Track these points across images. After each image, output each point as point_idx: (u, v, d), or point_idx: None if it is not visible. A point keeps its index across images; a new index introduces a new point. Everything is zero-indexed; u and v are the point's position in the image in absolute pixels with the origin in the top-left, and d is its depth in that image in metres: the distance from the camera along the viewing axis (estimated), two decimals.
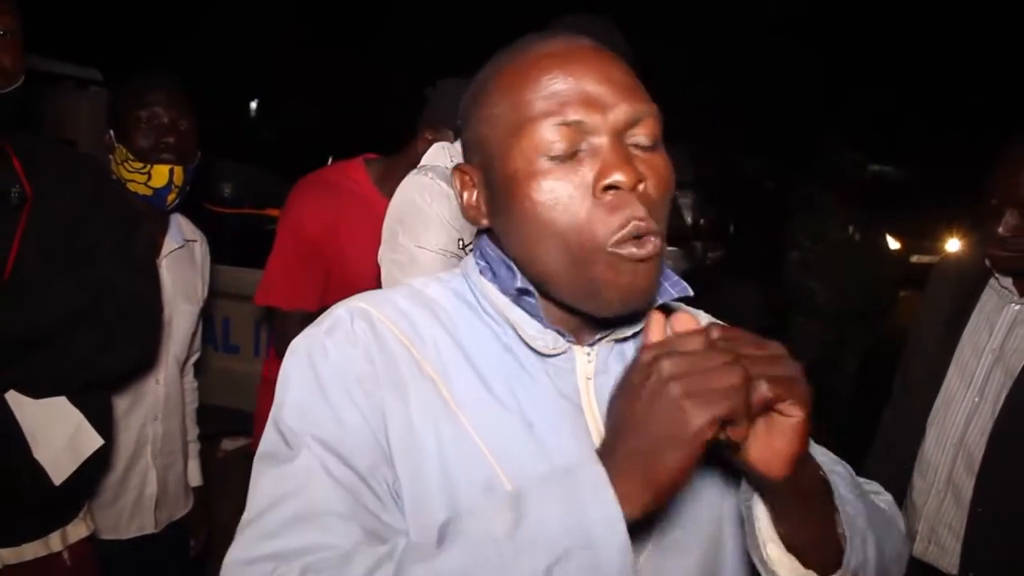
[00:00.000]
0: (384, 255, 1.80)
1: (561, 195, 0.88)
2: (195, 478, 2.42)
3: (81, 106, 4.66)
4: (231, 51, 13.09)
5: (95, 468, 1.76)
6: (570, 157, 0.89)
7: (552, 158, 0.88)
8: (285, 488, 0.87)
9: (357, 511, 0.85)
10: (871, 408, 2.62)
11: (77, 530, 1.75)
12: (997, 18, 12.15)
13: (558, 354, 0.97)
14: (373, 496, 0.87)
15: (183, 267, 2.28)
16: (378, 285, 2.19)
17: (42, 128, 4.31)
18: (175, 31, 12.66)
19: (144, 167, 2.07)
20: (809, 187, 4.73)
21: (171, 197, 2.13)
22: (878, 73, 13.50)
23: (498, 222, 0.96)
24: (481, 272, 1.01)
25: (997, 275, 1.97)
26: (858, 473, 2.11)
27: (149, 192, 2.09)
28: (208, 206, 5.17)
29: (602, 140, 0.89)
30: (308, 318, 2.16)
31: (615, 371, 0.96)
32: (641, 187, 0.88)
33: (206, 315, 2.45)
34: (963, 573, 1.92)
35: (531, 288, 0.95)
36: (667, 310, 0.98)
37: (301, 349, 0.95)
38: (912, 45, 13.07)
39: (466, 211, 1.00)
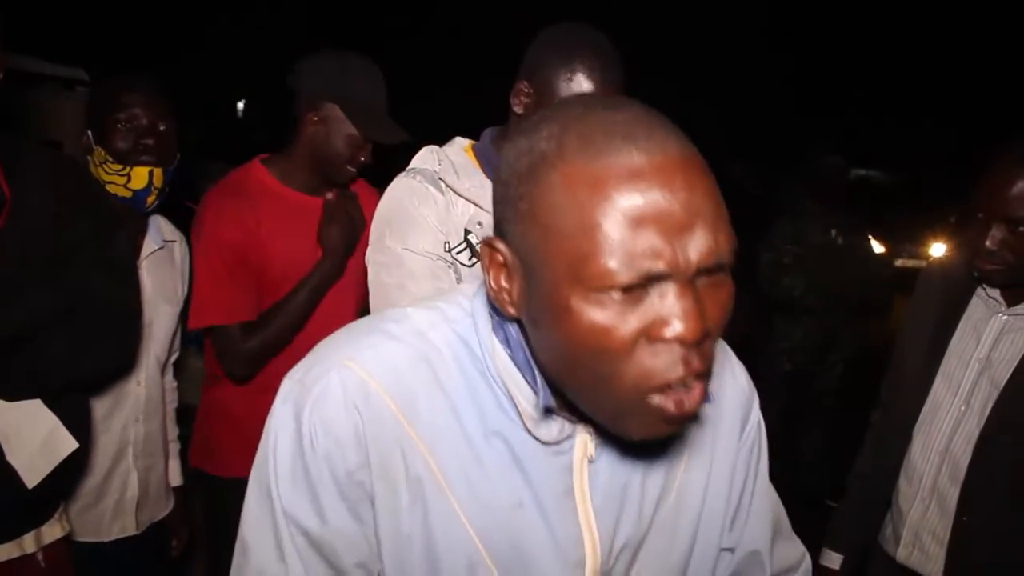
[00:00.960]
0: (371, 257, 1.80)
1: (614, 336, 0.77)
2: (175, 478, 2.41)
3: (67, 107, 4.64)
4: (221, 51, 13.05)
5: (71, 471, 1.74)
6: (633, 296, 0.77)
7: (613, 296, 0.76)
8: (265, 550, 0.90)
9: None
10: (858, 410, 2.63)
11: (52, 531, 1.74)
12: (984, 23, 12.24)
13: (559, 442, 0.92)
14: None
15: (163, 268, 2.27)
16: (298, 278, 2.16)
17: (27, 128, 4.28)
18: (163, 31, 12.61)
19: (123, 169, 2.06)
20: (793, 191, 4.76)
21: (151, 199, 2.12)
22: (864, 77, 13.57)
23: (531, 326, 0.85)
24: (493, 330, 0.92)
25: (984, 285, 1.97)
26: (844, 474, 2.16)
27: (128, 194, 2.08)
28: (194, 206, 5.14)
29: (673, 284, 0.77)
30: (248, 327, 2.15)
31: (615, 453, 0.95)
32: (707, 343, 0.80)
33: None
34: None
35: (554, 406, 0.89)
36: None
37: (292, 414, 0.89)
38: (899, 49, 13.15)
39: (491, 290, 0.87)
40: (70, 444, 1.67)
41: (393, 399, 0.88)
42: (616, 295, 0.76)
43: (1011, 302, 1.93)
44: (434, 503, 0.88)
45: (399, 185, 1.78)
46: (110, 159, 2.06)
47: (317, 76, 2.21)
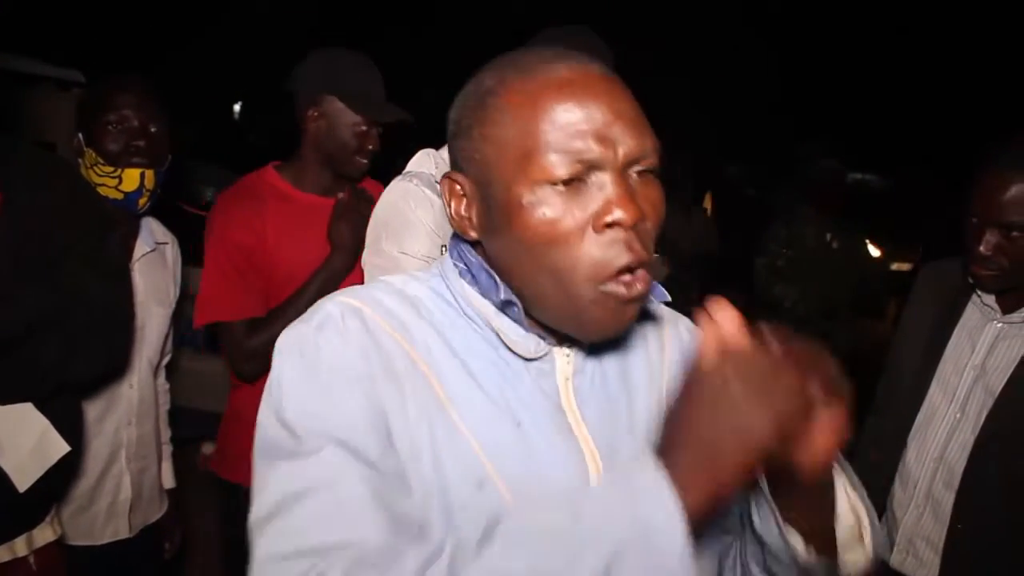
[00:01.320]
0: (367, 260, 1.80)
1: (562, 227, 0.89)
2: (169, 481, 2.40)
3: (62, 108, 4.63)
4: (217, 53, 13.04)
5: (63, 474, 1.74)
6: (574, 189, 0.89)
7: (556, 188, 0.89)
8: (305, 483, 0.84)
9: (379, 503, 0.84)
10: (852, 415, 2.63)
11: (44, 534, 1.73)
12: (979, 26, 12.28)
13: (539, 357, 0.99)
14: (388, 486, 0.86)
15: (155, 270, 2.26)
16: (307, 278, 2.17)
17: (22, 130, 4.27)
18: (159, 33, 12.60)
19: (114, 171, 2.05)
20: (789, 195, 4.76)
21: (142, 201, 2.11)
22: (861, 80, 13.61)
23: (490, 239, 0.96)
24: (460, 275, 1.01)
25: (979, 292, 1.98)
26: None
27: (120, 196, 2.08)
28: (191, 209, 5.15)
29: (607, 175, 0.89)
30: (255, 324, 2.17)
31: (590, 371, 1.03)
32: (640, 224, 0.90)
33: (189, 319, 2.43)
34: None
35: (515, 299, 0.96)
36: (647, 314, 1.01)
37: (291, 346, 0.94)
38: (895, 54, 13.19)
39: (453, 220, 0.99)
40: (61, 447, 1.67)
41: (389, 324, 0.95)
42: (560, 188, 0.88)
43: (1006, 309, 1.93)
44: (438, 418, 0.92)
45: (395, 189, 1.78)
46: (101, 161, 2.05)
47: (311, 73, 2.24)
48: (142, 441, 2.21)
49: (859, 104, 13.47)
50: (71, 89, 4.86)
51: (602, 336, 0.95)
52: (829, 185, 4.49)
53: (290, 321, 2.28)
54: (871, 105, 13.55)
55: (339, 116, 2.21)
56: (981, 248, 1.83)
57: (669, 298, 1.03)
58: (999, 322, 1.95)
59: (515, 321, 0.98)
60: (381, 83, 2.25)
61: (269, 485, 0.86)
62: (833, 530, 0.95)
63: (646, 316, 0.93)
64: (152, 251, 2.25)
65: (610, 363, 1.06)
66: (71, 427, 1.70)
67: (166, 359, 2.39)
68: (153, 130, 2.09)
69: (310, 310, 0.98)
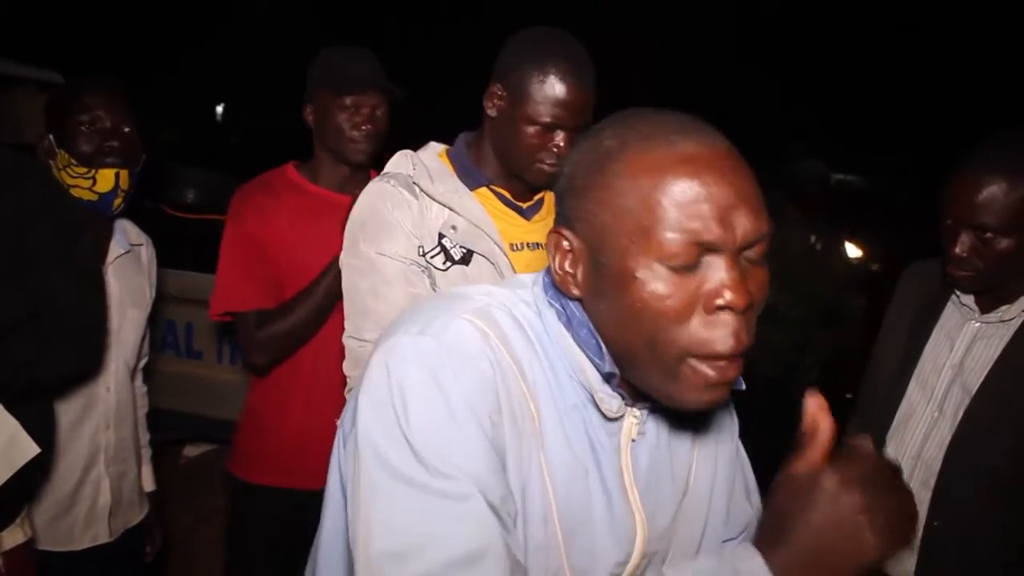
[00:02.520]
0: (345, 260, 1.80)
1: (673, 303, 0.88)
2: (149, 483, 2.38)
3: (41, 110, 4.59)
4: (200, 54, 12.98)
5: (34, 476, 1.73)
6: (690, 269, 0.89)
7: (673, 266, 0.88)
8: (440, 524, 0.83)
9: (504, 551, 0.84)
10: (834, 415, 2.64)
11: (13, 536, 1.72)
12: (962, 28, 12.37)
13: (618, 417, 1.01)
14: (508, 532, 0.87)
15: (130, 272, 2.25)
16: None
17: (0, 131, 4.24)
18: (141, 34, 12.52)
19: (88, 172, 2.03)
20: (772, 197, 4.76)
21: (117, 202, 2.09)
22: (844, 81, 13.68)
23: (594, 301, 0.95)
24: (558, 317, 1.00)
25: (958, 292, 1.98)
26: None
27: (94, 197, 2.06)
28: (172, 211, 5.11)
29: (722, 257, 0.89)
30: (264, 316, 2.20)
31: (651, 435, 1.05)
32: (748, 311, 0.90)
33: (168, 321, 2.42)
34: None
35: (617, 372, 0.97)
36: None
37: (421, 364, 0.90)
38: (877, 55, 13.27)
39: (556, 275, 0.98)
40: (31, 449, 1.66)
41: (510, 353, 0.94)
42: (675, 266, 0.87)
43: (984, 309, 1.95)
44: (533, 455, 0.94)
45: (373, 190, 1.78)
46: (74, 162, 2.03)
47: (307, 75, 2.31)
48: (121, 445, 2.19)
49: (845, 104, 13.54)
50: (50, 91, 4.83)
51: (689, 409, 0.95)
52: (814, 187, 4.50)
53: (301, 314, 2.33)
54: (857, 105, 13.62)
55: (327, 104, 2.26)
56: (957, 250, 1.84)
57: (743, 387, 1.02)
58: (977, 322, 1.96)
59: (605, 380, 0.99)
60: (367, 64, 2.29)
61: (398, 517, 0.84)
62: None
63: None
64: (127, 253, 2.23)
65: (664, 429, 1.08)
66: (43, 429, 1.69)
67: (143, 362, 2.38)
68: (126, 130, 2.07)
69: (430, 319, 0.94)
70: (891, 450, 2.04)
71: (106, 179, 2.05)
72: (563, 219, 0.98)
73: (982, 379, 1.90)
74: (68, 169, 2.04)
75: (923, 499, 1.94)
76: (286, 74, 2.33)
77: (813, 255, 4.46)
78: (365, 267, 1.73)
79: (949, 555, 1.90)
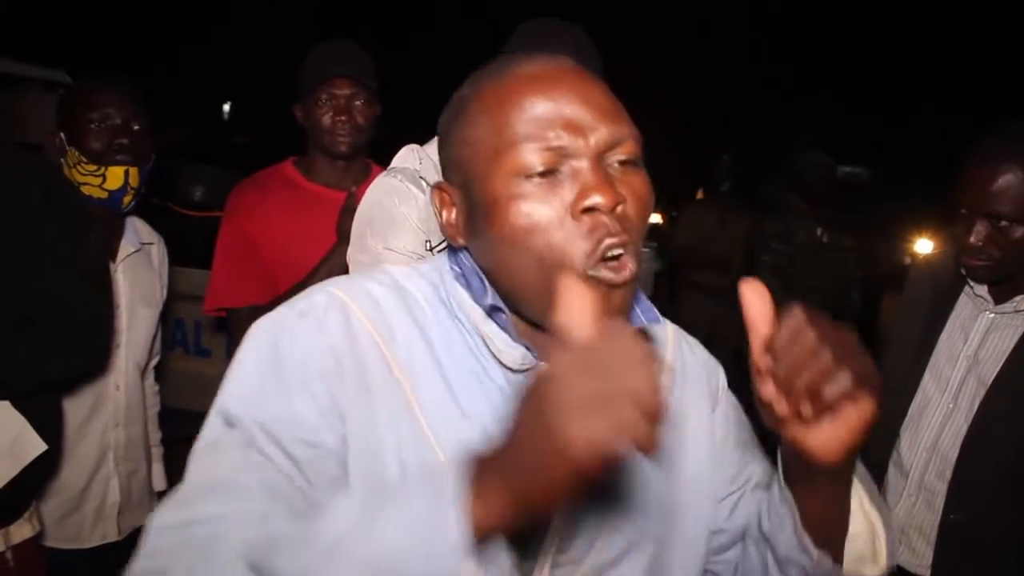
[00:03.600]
0: (352, 256, 1.79)
1: (540, 217, 0.88)
2: (159, 483, 2.38)
3: (48, 109, 4.59)
4: (207, 53, 13.00)
5: (41, 472, 1.73)
6: (550, 180, 0.88)
7: (531, 181, 0.88)
8: (215, 462, 0.86)
9: (282, 493, 0.82)
10: None
11: (21, 530, 1.73)
12: (965, 21, 12.31)
13: (524, 369, 0.97)
14: (306, 484, 0.85)
15: (141, 271, 2.24)
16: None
17: (6, 131, 4.24)
18: (148, 33, 12.55)
19: (98, 169, 2.04)
20: (778, 189, 4.75)
21: (127, 199, 2.10)
22: (850, 74, 13.63)
23: (475, 241, 0.96)
24: (455, 278, 1.00)
25: (972, 283, 1.97)
26: None
27: (104, 195, 2.06)
28: (178, 209, 5.12)
29: (582, 163, 0.88)
30: (257, 311, 2.19)
31: None
32: (620, 208, 0.88)
33: (176, 319, 2.42)
34: None
35: (502, 305, 0.95)
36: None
37: (267, 330, 0.95)
38: (884, 46, 13.21)
39: (445, 229, 0.99)
40: (38, 446, 1.66)
41: (372, 323, 0.95)
42: (535, 180, 0.88)
43: (998, 300, 1.93)
44: (407, 428, 0.91)
45: (380, 185, 1.77)
46: (84, 160, 2.03)
47: (306, 70, 2.34)
48: (131, 444, 2.19)
49: (850, 97, 13.49)
50: (57, 90, 4.83)
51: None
52: (821, 179, 4.48)
53: None
54: (862, 98, 13.57)
55: (309, 99, 2.31)
56: (972, 239, 1.83)
57: (660, 321, 0.99)
58: (991, 312, 1.94)
59: (503, 328, 0.96)
60: (336, 53, 2.32)
61: (190, 469, 0.89)
62: (846, 529, 0.94)
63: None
64: (137, 251, 2.23)
65: None
66: (50, 426, 1.70)
67: (154, 361, 2.37)
68: (136, 128, 2.08)
69: (300, 294, 0.99)
70: (906, 441, 2.02)
71: (116, 176, 2.05)
72: (443, 175, 1.01)
73: (997, 370, 1.88)
74: (78, 167, 2.04)
75: (939, 491, 1.93)
76: (292, 72, 2.33)
77: (820, 248, 4.45)
78: (372, 262, 1.72)
79: (965, 548, 1.89)
